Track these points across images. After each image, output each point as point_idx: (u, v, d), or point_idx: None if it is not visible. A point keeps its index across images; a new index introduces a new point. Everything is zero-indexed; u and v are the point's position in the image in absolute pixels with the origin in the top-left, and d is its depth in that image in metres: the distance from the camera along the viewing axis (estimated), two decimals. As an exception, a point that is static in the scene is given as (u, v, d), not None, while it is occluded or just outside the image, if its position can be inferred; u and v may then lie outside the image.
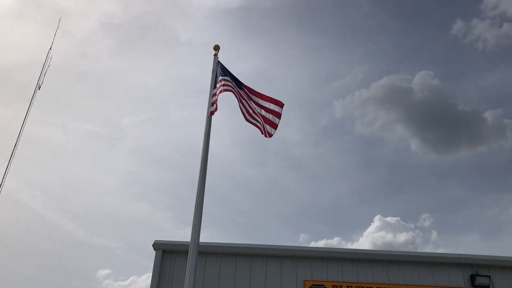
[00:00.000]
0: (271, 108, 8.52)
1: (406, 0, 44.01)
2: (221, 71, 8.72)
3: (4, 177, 15.20)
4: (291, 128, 46.20)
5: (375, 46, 45.58)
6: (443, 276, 11.23)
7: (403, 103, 40.24)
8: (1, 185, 14.98)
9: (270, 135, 8.40)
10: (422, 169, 42.66)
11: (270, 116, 8.45)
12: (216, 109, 8.13)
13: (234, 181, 45.84)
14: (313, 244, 32.88)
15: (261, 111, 8.52)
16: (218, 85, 8.40)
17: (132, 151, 43.28)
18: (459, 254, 11.46)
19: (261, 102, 8.59)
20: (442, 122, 39.24)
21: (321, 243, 34.25)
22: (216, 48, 9.12)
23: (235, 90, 8.60)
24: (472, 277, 11.10)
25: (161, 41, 45.28)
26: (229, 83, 8.55)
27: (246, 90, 8.68)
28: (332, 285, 10.90)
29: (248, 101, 8.61)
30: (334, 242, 34.36)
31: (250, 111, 8.61)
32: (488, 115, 40.27)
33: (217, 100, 8.19)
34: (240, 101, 8.65)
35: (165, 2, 44.55)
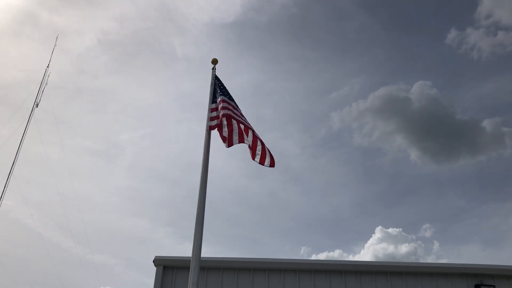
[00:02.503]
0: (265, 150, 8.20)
1: (400, 11, 44.46)
2: (224, 90, 8.62)
3: (2, 196, 15.10)
4: (289, 140, 46.27)
5: (371, 57, 45.90)
6: (447, 287, 11.11)
7: (401, 113, 40.35)
8: (0, 204, 14.87)
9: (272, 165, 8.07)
10: (421, 179, 42.63)
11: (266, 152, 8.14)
12: (216, 125, 8.12)
13: (233, 195, 45.72)
14: (314, 257, 32.59)
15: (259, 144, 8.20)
16: (220, 106, 8.18)
17: (130, 167, 43.18)
18: (463, 264, 11.37)
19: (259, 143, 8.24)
20: (441, 132, 39.33)
21: (322, 256, 33.94)
22: (214, 61, 9.11)
23: (236, 113, 8.32)
24: (477, 287, 11.00)
25: (158, 57, 45.52)
26: (230, 107, 8.31)
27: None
28: (335, 298, 10.76)
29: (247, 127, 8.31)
30: (335, 255, 34.01)
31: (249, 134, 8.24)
32: (487, 124, 40.39)
33: (220, 119, 8.13)
34: (239, 123, 8.26)
35: (161, 18, 44.90)
